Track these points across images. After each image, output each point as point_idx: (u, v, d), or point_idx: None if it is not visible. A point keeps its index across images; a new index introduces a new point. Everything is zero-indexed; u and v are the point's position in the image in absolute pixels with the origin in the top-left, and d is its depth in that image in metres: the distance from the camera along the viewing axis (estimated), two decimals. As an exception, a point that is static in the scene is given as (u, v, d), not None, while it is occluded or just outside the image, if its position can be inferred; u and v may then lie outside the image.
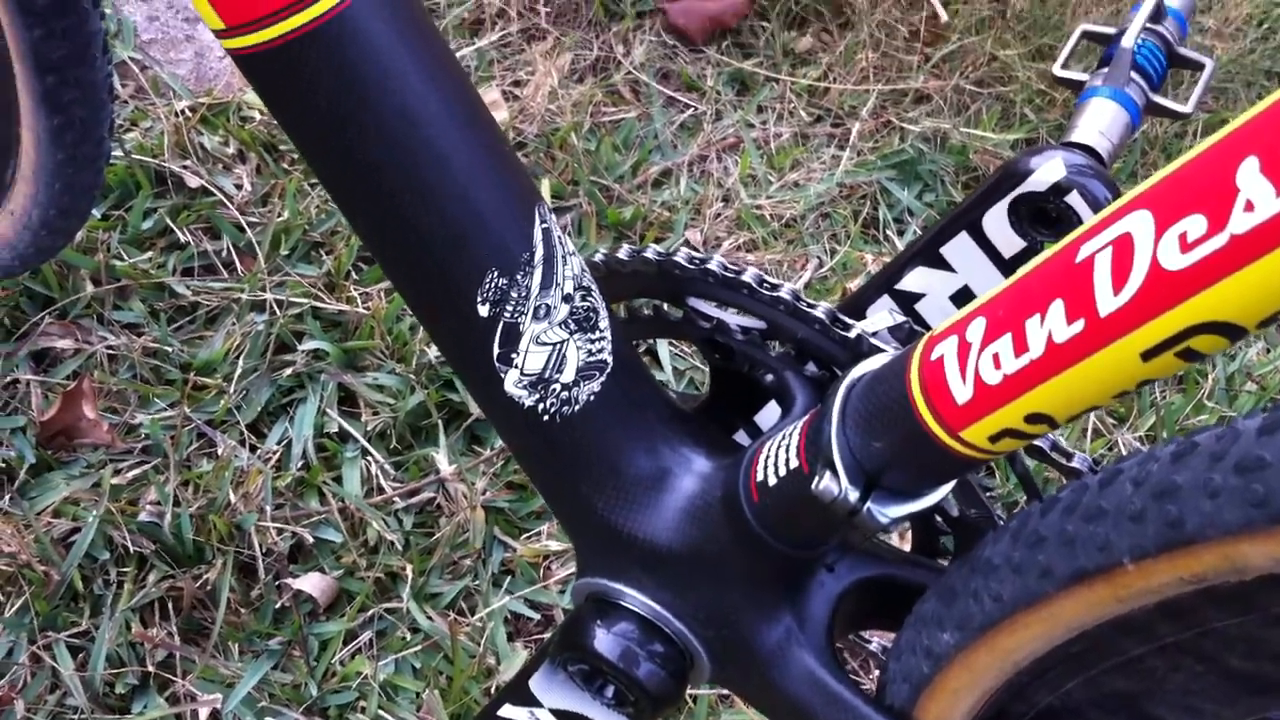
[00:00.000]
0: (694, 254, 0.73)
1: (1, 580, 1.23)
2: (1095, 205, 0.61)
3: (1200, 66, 0.71)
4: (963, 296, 0.70)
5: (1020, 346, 0.47)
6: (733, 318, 0.74)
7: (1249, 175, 0.37)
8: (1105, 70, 0.69)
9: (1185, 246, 0.40)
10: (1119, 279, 0.43)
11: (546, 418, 0.68)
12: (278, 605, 1.28)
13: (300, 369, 1.40)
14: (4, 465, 1.30)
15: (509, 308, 0.65)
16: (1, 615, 1.22)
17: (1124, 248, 0.42)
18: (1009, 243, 0.66)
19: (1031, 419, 0.50)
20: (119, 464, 1.32)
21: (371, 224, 0.66)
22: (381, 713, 1.24)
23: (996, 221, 0.66)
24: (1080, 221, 0.62)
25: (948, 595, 0.65)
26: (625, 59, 1.84)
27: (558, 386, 0.68)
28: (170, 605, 1.27)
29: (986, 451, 0.53)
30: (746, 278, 0.71)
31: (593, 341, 0.69)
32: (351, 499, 1.32)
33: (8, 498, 1.28)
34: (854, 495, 0.57)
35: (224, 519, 1.28)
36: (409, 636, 1.29)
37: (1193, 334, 0.41)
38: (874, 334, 0.68)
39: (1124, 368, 0.44)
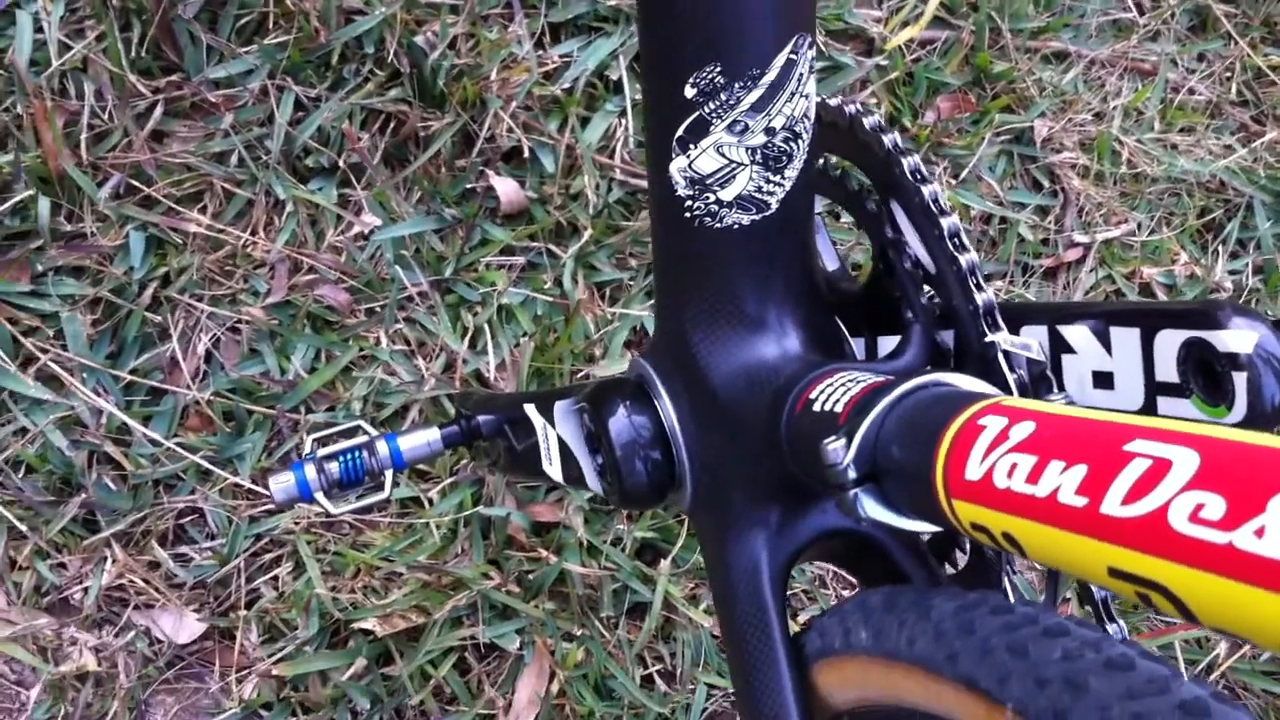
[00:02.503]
0: (920, 168, 0.70)
1: (280, 12, 1.31)
2: (1256, 398, 0.56)
3: None
4: (1104, 380, 0.66)
5: (1033, 476, 0.46)
6: (915, 243, 0.71)
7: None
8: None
9: (1194, 517, 0.38)
10: (1135, 494, 0.40)
11: (688, 215, 0.69)
12: (470, 186, 1.34)
13: (623, 6, 1.40)
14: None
15: (712, 104, 0.64)
16: (262, 40, 1.31)
17: (1157, 472, 0.40)
18: (1167, 368, 0.61)
19: (1008, 538, 0.48)
20: (430, -18, 1.37)
21: None
22: (487, 326, 1.31)
23: (1167, 344, 0.61)
24: (1233, 403, 0.57)
25: (889, 604, 0.65)
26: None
27: (712, 198, 0.68)
28: (391, 125, 1.34)
29: (964, 531, 0.52)
30: (944, 222, 0.68)
31: (769, 181, 0.68)
32: (585, 144, 1.35)
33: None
34: (850, 475, 0.56)
35: (475, 87, 1.32)
36: (550, 285, 1.34)
37: (1155, 589, 0.40)
38: (1009, 353, 0.65)
39: (1090, 568, 0.43)
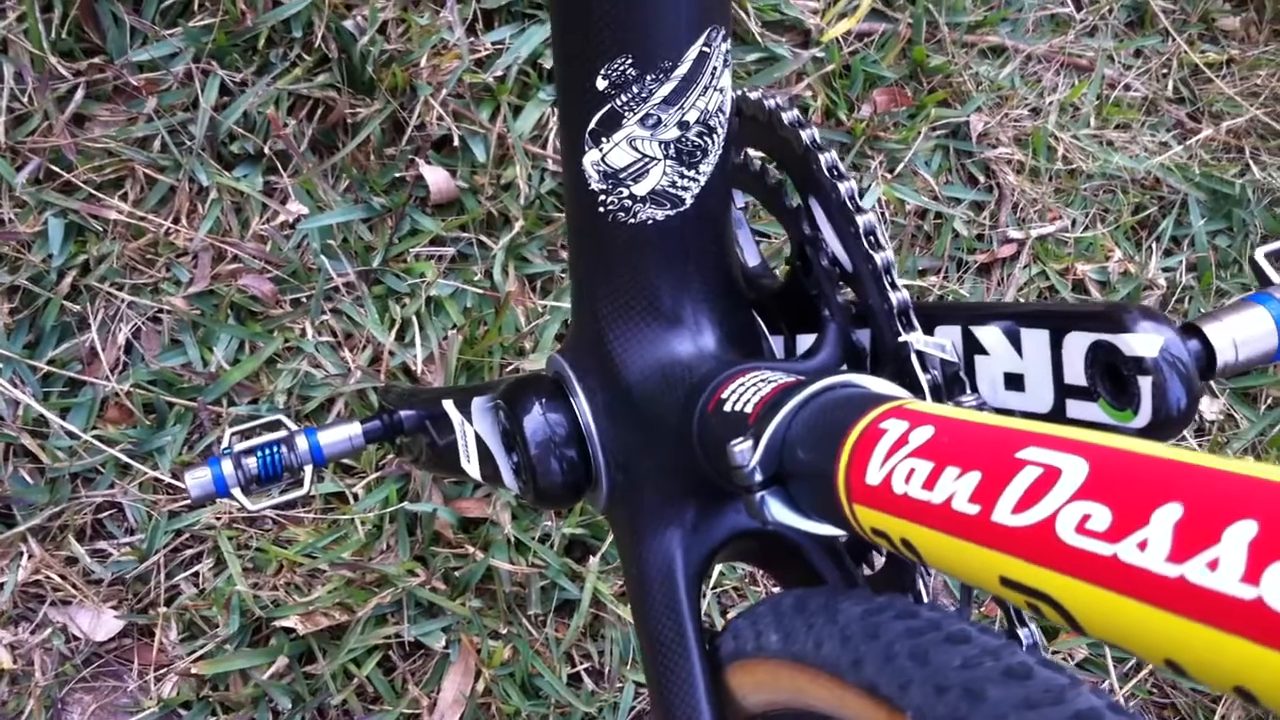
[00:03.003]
0: (837, 164, 0.69)
1: (206, -6, 1.28)
2: (1161, 402, 0.55)
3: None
4: (1015, 381, 0.65)
5: (930, 482, 0.45)
6: (833, 240, 0.70)
7: (1169, 517, 0.34)
8: (1297, 288, 0.62)
9: (1081, 528, 0.37)
10: (1025, 503, 0.40)
11: (601, 209, 0.67)
12: (399, 175, 1.32)
13: (560, -6, 1.38)
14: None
15: (623, 97, 0.63)
16: (187, 22, 1.27)
17: (1047, 481, 0.39)
18: (1075, 371, 0.61)
19: (906, 544, 0.48)
20: (361, -35, 1.35)
21: None
22: (415, 318, 1.29)
23: (1075, 346, 0.60)
24: (1139, 407, 0.57)
25: (799, 606, 0.64)
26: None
27: (625, 192, 0.66)
28: (318, 112, 1.31)
29: (866, 535, 0.51)
30: (860, 219, 0.67)
31: (683, 176, 0.66)
32: (516, 134, 1.33)
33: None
34: (757, 477, 0.55)
35: (406, 74, 1.30)
36: (480, 277, 1.32)
37: (1043, 599, 0.39)
38: (922, 353, 0.65)
39: (983, 577, 0.42)
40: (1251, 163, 1.69)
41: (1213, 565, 0.33)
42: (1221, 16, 1.76)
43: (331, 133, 1.32)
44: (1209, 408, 1.60)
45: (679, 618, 0.71)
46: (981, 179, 1.56)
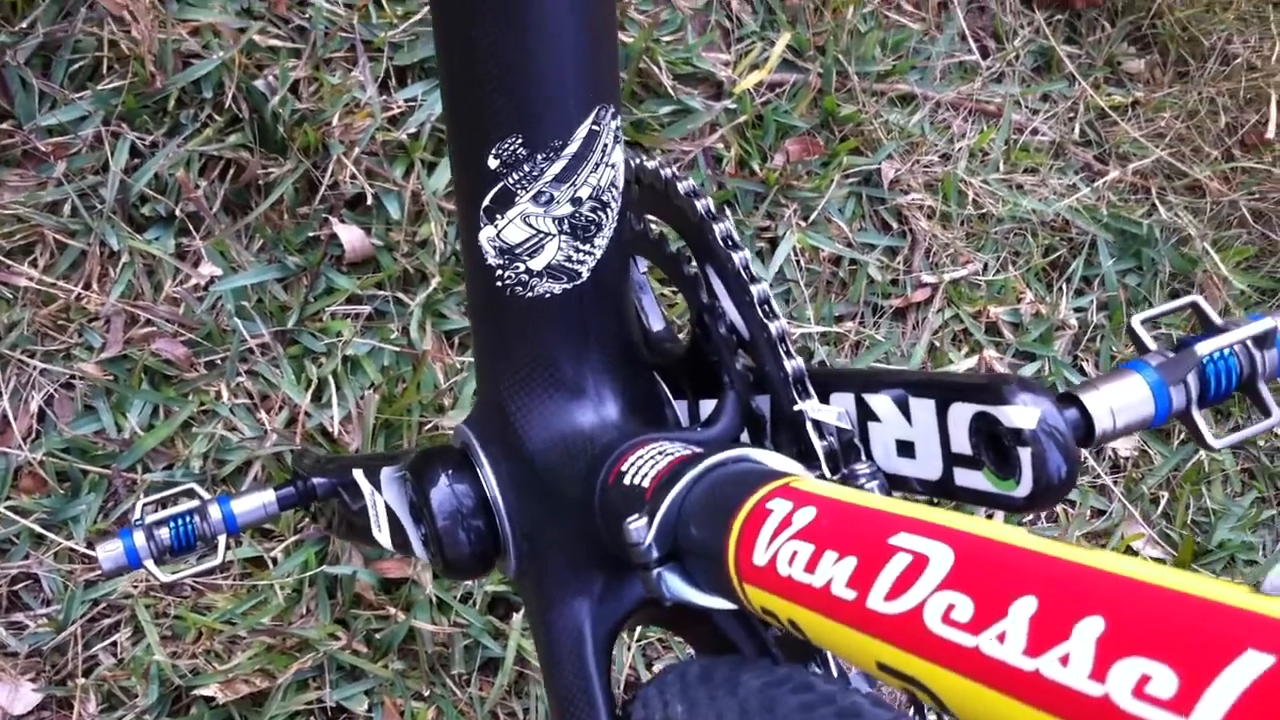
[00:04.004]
0: (732, 234, 0.70)
1: (114, 56, 1.27)
2: (1041, 472, 0.56)
3: (1266, 414, 0.64)
4: (906, 449, 0.66)
5: (810, 565, 0.46)
6: (730, 308, 0.72)
7: (1025, 610, 0.35)
8: (1170, 355, 0.63)
9: (946, 617, 0.38)
10: (896, 590, 0.41)
11: (499, 284, 0.68)
12: (313, 234, 1.32)
13: (472, 51, 1.39)
14: (181, -39, 1.32)
15: (515, 176, 0.64)
16: (96, 85, 1.27)
17: (916, 568, 0.40)
18: (960, 441, 0.62)
19: (794, 625, 0.48)
20: (271, 26, 1.34)
21: (441, 25, 0.64)
22: (331, 378, 1.28)
23: (960, 417, 0.61)
24: (1020, 477, 0.58)
25: (704, 676, 0.65)
26: (960, -31, 1.72)
27: (522, 267, 0.67)
28: (230, 171, 1.31)
29: (759, 614, 0.52)
30: (754, 289, 0.68)
31: (578, 250, 0.67)
32: (430, 190, 1.34)
33: (166, -9, 1.31)
34: (653, 554, 0.56)
35: (318, 133, 1.30)
36: (397, 335, 1.32)
37: (917, 686, 0.40)
38: (816, 420, 0.66)
39: (861, 661, 0.43)
40: (1158, 203, 1.73)
41: (1064, 660, 0.34)
42: (1126, 60, 1.81)
43: (244, 193, 1.32)
44: (1124, 444, 1.64)
45: (588, 686, 0.72)
46: (894, 225, 1.59)
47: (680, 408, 0.82)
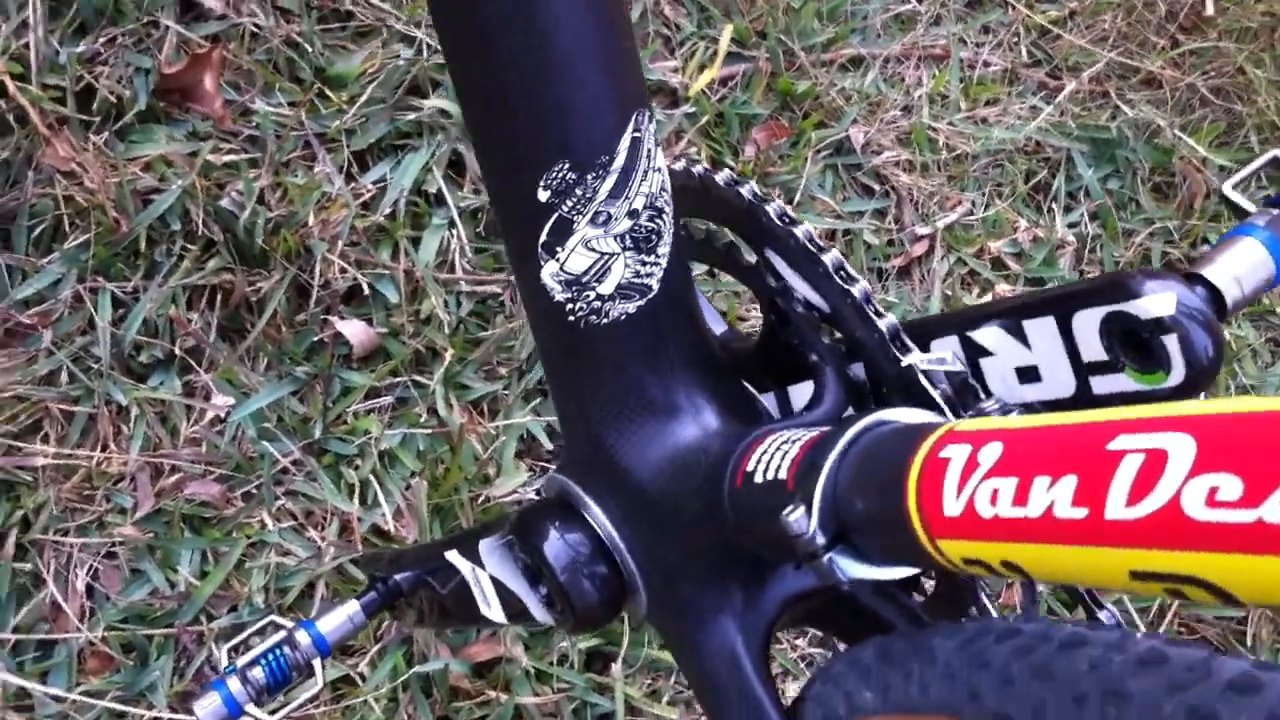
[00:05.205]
0: (786, 211, 0.68)
1: (73, 212, 1.23)
2: (1192, 356, 0.54)
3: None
4: (1029, 374, 0.64)
5: (1020, 498, 0.43)
6: (802, 286, 0.69)
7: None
8: (1275, 212, 0.62)
9: (1211, 501, 0.35)
10: (1137, 493, 0.38)
11: (572, 318, 0.65)
12: (316, 338, 1.28)
13: (424, 118, 1.36)
14: (115, 101, 1.28)
15: (569, 202, 0.61)
16: (62, 245, 1.23)
17: (1155, 465, 0.38)
18: (1092, 349, 0.59)
19: (1008, 565, 0.46)
20: (221, 143, 1.31)
21: (463, 63, 0.61)
22: (372, 477, 1.25)
23: (1086, 324, 0.59)
24: (1170, 366, 0.56)
25: (885, 657, 0.62)
26: (870, -75, 1.72)
27: (592, 295, 0.64)
28: (219, 298, 1.27)
29: (957, 567, 0.49)
30: (826, 258, 0.66)
31: (644, 264, 0.65)
32: (422, 265, 1.31)
33: (107, 134, 1.27)
34: (820, 540, 0.53)
35: (296, 236, 1.27)
36: (425, 417, 1.29)
37: (1186, 582, 0.37)
38: (927, 371, 0.63)
39: (1109, 574, 0.40)
40: (1120, 104, 1.73)
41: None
42: (1049, -27, 1.81)
43: (237, 315, 1.28)
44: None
45: (756, 704, 0.68)
46: (876, 187, 1.57)
47: (767, 402, 0.79)
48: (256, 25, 1.37)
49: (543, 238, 0.63)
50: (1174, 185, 1.73)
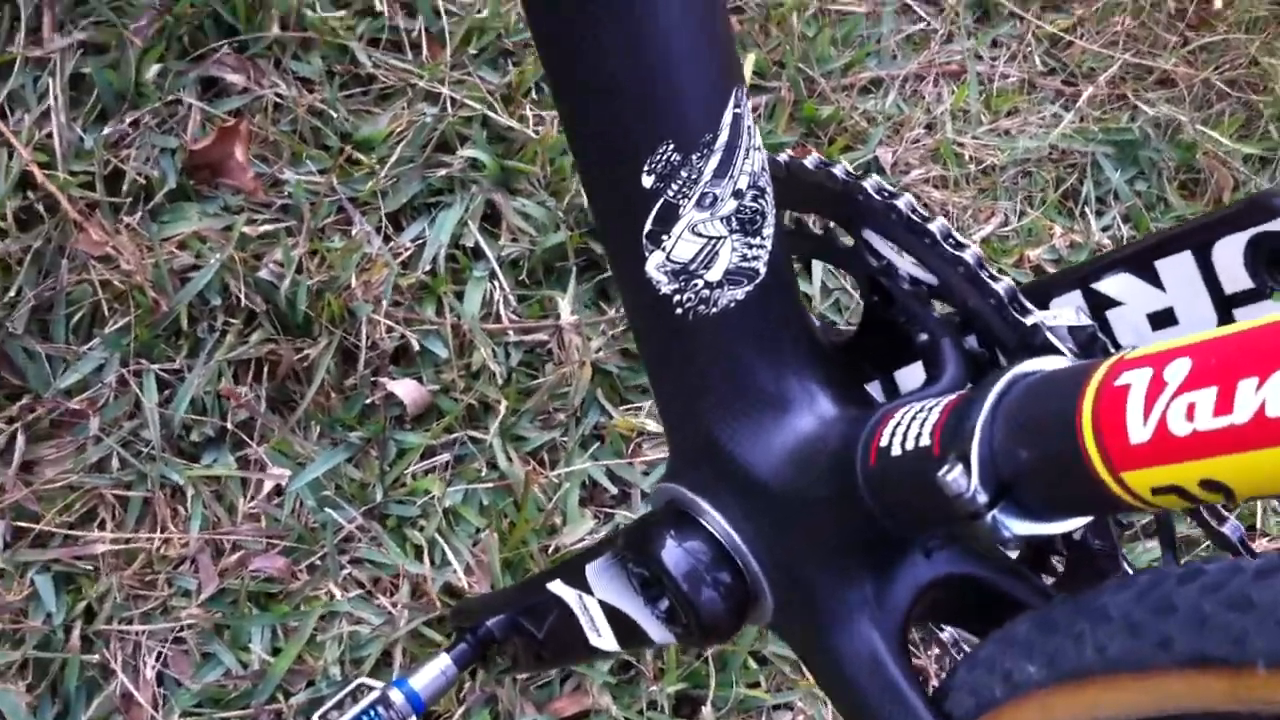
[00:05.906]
0: (884, 185, 0.66)
1: (111, 296, 1.21)
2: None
3: None
4: (1163, 319, 0.62)
5: (1224, 406, 0.41)
6: (905, 263, 0.67)
7: None
8: None
9: None
10: None
11: (680, 310, 0.63)
12: (368, 401, 1.26)
13: (455, 173, 1.35)
14: (144, 182, 1.27)
15: (674, 186, 0.59)
16: (102, 330, 1.21)
17: None
18: (1234, 279, 0.57)
19: (1208, 485, 0.43)
20: (255, 215, 1.30)
21: (558, 50, 0.60)
22: (438, 536, 1.22)
23: (1229, 253, 0.57)
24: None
25: (1046, 627, 0.59)
26: (871, -48, 1.73)
27: (700, 283, 0.62)
28: (265, 369, 1.25)
29: (1144, 501, 0.46)
30: (933, 227, 0.64)
31: (751, 246, 0.62)
32: (467, 318, 1.29)
33: (139, 215, 1.26)
34: (982, 498, 0.50)
35: (339, 300, 1.25)
36: (485, 471, 1.26)
37: None
38: (1052, 328, 0.61)
39: None
40: (1138, 104, 1.72)
41: None
42: (1054, -17, 1.81)
43: (284, 386, 1.26)
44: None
45: (905, 701, 0.65)
46: (909, 205, 1.56)
47: (872, 389, 0.76)
48: (279, 96, 1.36)
49: (648, 227, 0.61)
50: (1200, 181, 1.72)
